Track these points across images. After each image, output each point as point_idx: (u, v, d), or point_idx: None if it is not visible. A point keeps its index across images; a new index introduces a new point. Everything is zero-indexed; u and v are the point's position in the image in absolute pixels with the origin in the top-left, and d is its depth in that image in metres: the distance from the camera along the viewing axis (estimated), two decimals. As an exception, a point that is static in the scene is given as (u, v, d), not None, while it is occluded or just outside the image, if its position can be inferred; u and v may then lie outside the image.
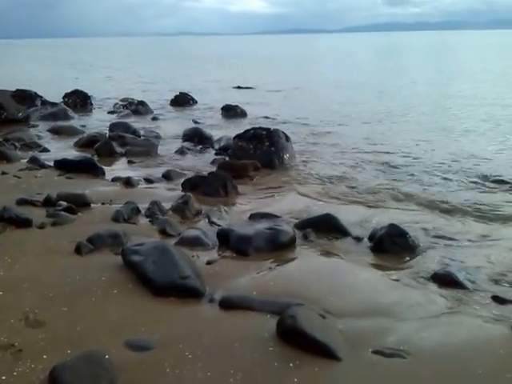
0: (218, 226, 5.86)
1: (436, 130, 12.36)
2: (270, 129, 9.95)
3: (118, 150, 9.97)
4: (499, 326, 3.77)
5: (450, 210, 6.60)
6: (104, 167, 8.48)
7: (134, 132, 11.83)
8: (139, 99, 17.16)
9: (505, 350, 3.44)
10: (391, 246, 5.26)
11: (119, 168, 8.98)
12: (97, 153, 9.72)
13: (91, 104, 17.56)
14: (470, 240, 5.61)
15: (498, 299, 4.19)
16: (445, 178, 8.10)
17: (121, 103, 17.25)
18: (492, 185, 7.77)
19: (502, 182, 7.86)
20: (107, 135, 11.10)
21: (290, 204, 6.93)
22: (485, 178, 8.09)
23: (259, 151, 9.40)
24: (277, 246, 5.26)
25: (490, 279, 4.61)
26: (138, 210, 6.21)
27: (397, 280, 4.61)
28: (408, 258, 5.12)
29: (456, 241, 5.57)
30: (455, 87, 21.63)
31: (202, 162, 9.48)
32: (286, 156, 9.44)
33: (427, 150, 10.10)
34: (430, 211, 6.59)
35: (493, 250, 5.30)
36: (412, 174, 8.34)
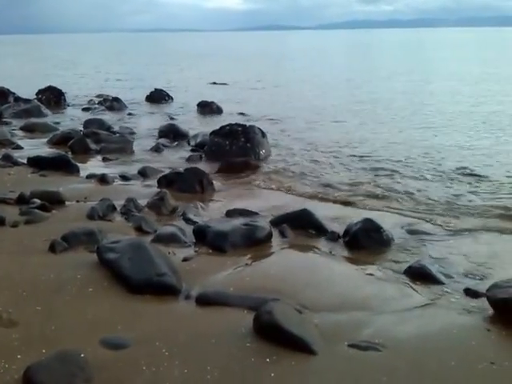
0: (195, 222, 5.83)
1: (411, 126, 12.49)
2: (245, 125, 9.94)
3: (93, 146, 9.83)
4: (471, 318, 3.83)
5: (423, 205, 6.68)
6: (78, 164, 8.36)
7: (109, 129, 11.68)
8: (114, 96, 16.96)
9: (477, 342, 3.50)
10: (366, 240, 5.30)
11: (94, 165, 8.86)
12: (71, 150, 9.57)
13: (65, 101, 17.27)
14: (443, 234, 5.69)
15: (470, 292, 4.25)
16: (419, 173, 8.18)
17: (95, 100, 17.03)
18: (465, 179, 7.89)
19: (476, 175, 7.99)
20: (81, 132, 10.94)
21: (266, 200, 6.93)
22: (459, 172, 8.22)
23: (235, 147, 9.38)
24: (253, 242, 5.25)
25: (463, 272, 4.68)
26: (113, 208, 6.14)
27: (372, 274, 4.65)
28: (383, 253, 5.17)
29: (430, 235, 5.64)
30: (430, 84, 21.87)
31: (178, 159, 9.42)
32: (262, 152, 9.45)
33: (402, 146, 10.21)
34: (404, 206, 6.66)
35: (466, 244, 5.39)
36: (387, 170, 8.41)
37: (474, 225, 5.96)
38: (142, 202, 6.39)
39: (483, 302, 4.00)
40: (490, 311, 3.88)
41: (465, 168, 8.38)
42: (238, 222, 5.57)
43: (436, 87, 20.60)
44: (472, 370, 3.20)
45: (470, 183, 7.64)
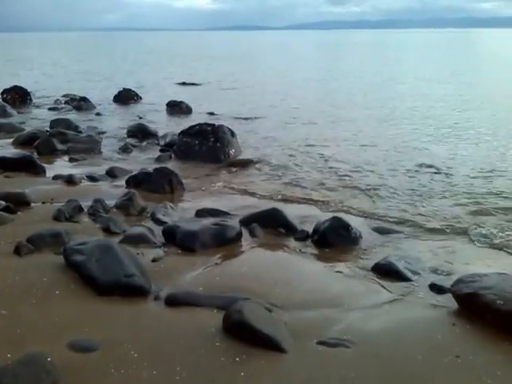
0: (164, 222, 5.77)
1: (378, 122, 12.67)
2: (214, 124, 9.91)
3: (60, 147, 9.65)
4: (437, 313, 3.90)
5: (390, 203, 6.77)
6: (45, 165, 8.20)
7: (76, 128, 11.50)
8: (81, 95, 16.69)
9: (442, 336, 3.56)
10: (335, 238, 5.34)
11: (61, 166, 8.70)
12: (37, 150, 9.38)
13: (31, 100, 16.93)
14: (410, 231, 5.78)
15: (435, 287, 4.32)
16: (388, 173, 8.28)
17: (62, 99, 16.73)
18: (433, 177, 8.02)
19: (444, 173, 8.14)
20: (48, 132, 10.74)
21: (236, 200, 6.93)
22: (426, 171, 8.37)
23: (204, 147, 9.35)
24: (223, 242, 5.24)
25: (429, 269, 4.76)
26: (80, 209, 6.04)
27: (340, 272, 4.69)
28: (351, 250, 5.22)
29: (397, 232, 5.72)
30: (396, 83, 22.19)
31: (147, 159, 9.33)
32: (232, 151, 9.44)
33: (370, 143, 10.34)
34: (372, 205, 6.73)
35: (431, 241, 5.48)
36: (356, 170, 8.48)
37: (439, 222, 6.06)
38: (110, 202, 6.30)
39: (448, 297, 4.08)
40: (455, 306, 3.95)
41: (431, 166, 8.53)
42: (208, 221, 5.55)
43: (404, 87, 20.90)
44: (438, 364, 3.25)
45: (437, 181, 7.77)
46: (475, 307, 3.82)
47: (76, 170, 8.20)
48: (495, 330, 3.60)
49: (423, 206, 6.63)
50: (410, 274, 4.58)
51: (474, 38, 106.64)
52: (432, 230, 5.81)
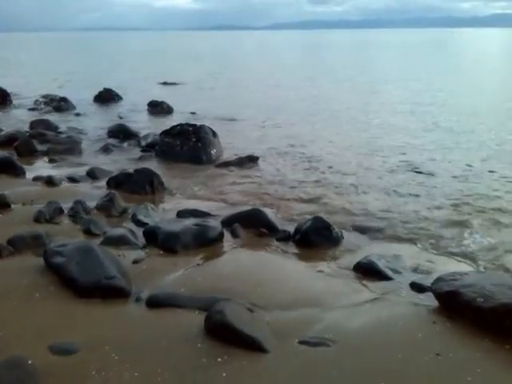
0: (145, 223, 5.74)
1: (354, 124, 12.76)
2: (196, 125, 9.89)
3: (39, 148, 9.57)
4: (418, 312, 3.93)
5: (370, 203, 6.81)
6: (24, 166, 8.11)
7: (56, 129, 11.41)
8: (61, 96, 16.50)
9: (423, 334, 3.59)
10: (316, 238, 5.37)
11: (41, 167, 8.62)
12: (16, 151, 9.26)
13: (10, 101, 16.71)
14: (390, 230, 5.81)
15: (416, 286, 4.36)
16: (367, 172, 8.36)
17: (42, 100, 16.51)
18: (411, 176, 8.11)
19: (421, 173, 8.23)
20: (27, 133, 10.61)
21: (217, 200, 6.91)
22: (405, 169, 8.45)
23: (186, 147, 9.32)
24: (205, 242, 5.23)
25: (409, 267, 4.81)
26: (60, 210, 5.98)
27: (322, 271, 4.72)
28: (332, 250, 5.26)
29: (378, 231, 5.76)
30: (377, 85, 22.35)
31: (128, 159, 9.27)
32: (214, 152, 9.42)
33: (351, 144, 10.41)
34: (352, 205, 6.75)
35: (412, 240, 5.52)
36: (336, 170, 8.52)
37: (418, 221, 6.10)
38: (91, 203, 6.26)
39: (429, 296, 4.12)
40: (436, 304, 3.99)
41: (410, 165, 8.62)
42: (189, 222, 5.53)
43: (384, 88, 21.06)
44: (418, 362, 3.28)
45: (413, 180, 7.86)
46: (455, 305, 3.86)
47: (56, 171, 8.13)
48: (475, 328, 3.64)
49: (403, 205, 6.68)
50: (390, 273, 4.62)
51: (453, 39, 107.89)
52: (412, 229, 5.85)
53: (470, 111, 14.31)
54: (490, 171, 8.21)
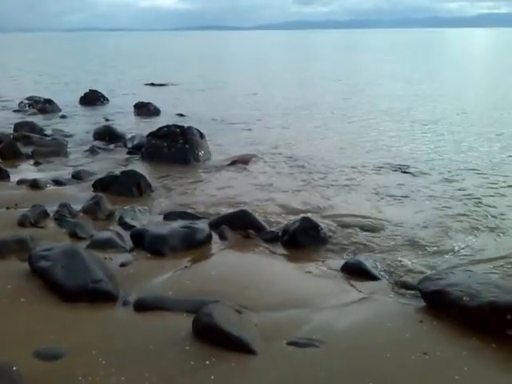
0: (132, 226, 5.73)
1: (341, 124, 12.84)
2: (183, 126, 9.86)
3: (24, 150, 9.49)
4: (405, 311, 3.97)
5: (357, 202, 6.85)
6: (8, 169, 8.05)
7: (41, 131, 11.33)
8: (46, 97, 16.38)
9: (410, 334, 3.63)
10: (304, 239, 5.39)
11: (25, 170, 8.55)
12: (0, 154, 9.18)
13: (-6, 103, 16.56)
14: (378, 231, 5.84)
15: (403, 286, 4.40)
16: (354, 171, 8.41)
17: (26, 102, 16.37)
18: (399, 175, 8.18)
19: (408, 173, 8.29)
20: (11, 135, 10.52)
21: (205, 202, 6.90)
22: (392, 168, 8.53)
23: (173, 149, 9.30)
24: (193, 245, 5.24)
25: (396, 267, 4.83)
26: (46, 214, 5.95)
27: (310, 272, 4.74)
28: (320, 250, 5.28)
29: (366, 231, 5.78)
30: (364, 85, 22.48)
31: (115, 161, 9.23)
32: (201, 153, 9.41)
33: (340, 144, 10.47)
34: (339, 203, 6.80)
35: (398, 240, 5.56)
36: (318, 168, 8.58)
37: (405, 221, 6.13)
38: (77, 206, 6.23)
39: (416, 295, 4.16)
40: (423, 303, 4.04)
41: (402, 164, 8.69)
42: (177, 224, 5.53)
43: (373, 88, 21.19)
44: (406, 361, 3.32)
45: (400, 180, 7.90)
46: (442, 304, 3.91)
47: (41, 174, 8.08)
48: (462, 327, 3.69)
49: (390, 206, 6.72)
50: (378, 273, 4.66)
51: (441, 38, 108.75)
52: (397, 227, 5.88)
53: (462, 111, 14.41)
54: (477, 172, 8.27)
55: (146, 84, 22.66)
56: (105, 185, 7.27)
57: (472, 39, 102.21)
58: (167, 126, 9.90)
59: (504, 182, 7.72)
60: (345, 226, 5.92)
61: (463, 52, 51.02)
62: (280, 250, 5.32)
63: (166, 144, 9.37)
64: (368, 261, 4.82)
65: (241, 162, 9.04)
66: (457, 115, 13.83)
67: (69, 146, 10.21)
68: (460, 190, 7.34)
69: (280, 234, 5.62)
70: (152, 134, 9.74)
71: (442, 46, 67.54)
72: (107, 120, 13.52)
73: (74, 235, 5.43)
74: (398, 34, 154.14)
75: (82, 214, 6.09)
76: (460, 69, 30.00)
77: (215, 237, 5.52)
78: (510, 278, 4.51)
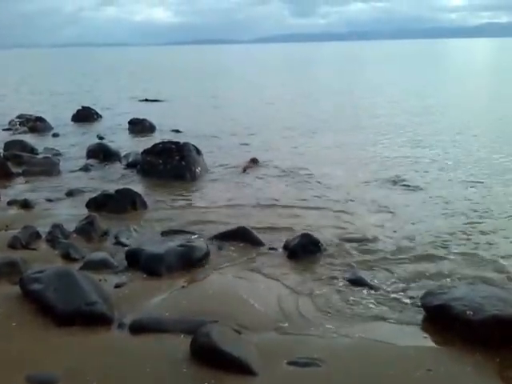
0: (127, 246, 5.76)
1: (339, 137, 12.92)
2: (179, 142, 9.93)
3: (15, 170, 9.54)
4: (407, 326, 4.00)
5: (357, 216, 6.89)
6: (-1, 190, 8.09)
7: (32, 150, 11.37)
8: (37, 115, 16.47)
9: (413, 350, 3.65)
10: (304, 255, 5.44)
11: (16, 190, 8.57)
12: (-10, 175, 9.23)
13: (-17, 122, 16.60)
14: (379, 245, 5.86)
15: (403, 300, 4.42)
16: (350, 183, 8.48)
17: (17, 120, 16.46)
18: (394, 186, 8.27)
19: (404, 185, 8.36)
20: (1, 155, 10.57)
21: (202, 218, 6.92)
22: (389, 180, 8.62)
23: (169, 166, 9.35)
24: (190, 263, 5.27)
25: (397, 281, 4.84)
26: (37, 235, 5.98)
27: (309, 289, 4.74)
28: (320, 266, 5.29)
29: (365, 245, 5.79)
30: (365, 98, 22.63)
31: (109, 180, 9.26)
32: (198, 170, 9.44)
33: (338, 158, 10.53)
34: (338, 218, 6.83)
35: (400, 253, 5.58)
36: (315, 181, 8.68)
37: (403, 235, 6.15)
38: (70, 226, 6.27)
39: (418, 310, 4.18)
40: (426, 318, 4.05)
41: (397, 176, 8.78)
42: (174, 243, 5.55)
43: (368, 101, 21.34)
44: (410, 378, 3.34)
45: (398, 193, 7.96)
46: (445, 319, 3.94)
47: (33, 194, 8.09)
48: (465, 341, 3.71)
49: (389, 220, 6.74)
50: (378, 287, 4.69)
51: (443, 49, 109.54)
52: (402, 242, 5.90)
53: (465, 126, 14.45)
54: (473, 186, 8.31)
55: (141, 100, 22.78)
56: (99, 204, 7.31)
57: (475, 50, 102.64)
58: (162, 143, 9.96)
59: (503, 193, 7.77)
60: (345, 240, 5.94)
61: (469, 64, 51.16)
62: (280, 267, 5.33)
63: (161, 161, 9.42)
64: (368, 276, 4.85)
65: (238, 176, 9.10)
66: (457, 133, 13.78)
67: (61, 164, 10.24)
68: (455, 202, 7.37)
69: (280, 250, 5.65)
70: (147, 151, 9.80)
71: (445, 58, 67.84)
72: (101, 138, 13.56)
73: (67, 257, 5.46)
74: (398, 46, 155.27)
75: (75, 235, 6.11)
76: (469, 82, 30.10)
77: (213, 254, 5.54)
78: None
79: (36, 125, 15.35)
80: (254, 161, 10.09)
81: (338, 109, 18.29)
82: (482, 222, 6.54)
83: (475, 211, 6.96)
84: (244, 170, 9.60)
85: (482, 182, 8.39)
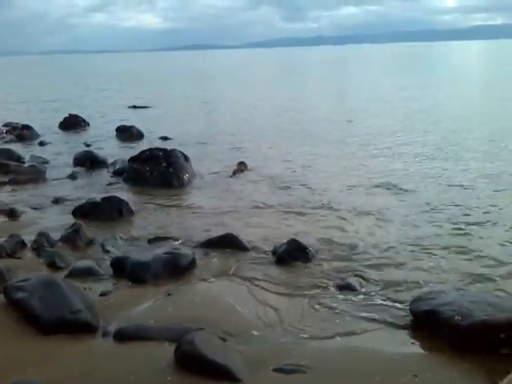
0: (113, 254, 5.76)
1: (331, 142, 12.98)
2: (166, 149, 9.95)
3: (1, 179, 9.52)
4: (394, 332, 4.03)
5: (345, 222, 6.92)
6: (-16, 199, 8.06)
7: (19, 159, 11.37)
8: (24, 123, 16.43)
9: (400, 355, 3.68)
10: (292, 261, 5.47)
11: (2, 198, 8.54)
12: (-25, 183, 9.21)
13: (-32, 131, 16.54)
14: (367, 251, 5.90)
15: (391, 306, 4.45)
16: (340, 185, 8.53)
17: (3, 128, 16.42)
18: (384, 191, 8.34)
19: (398, 189, 8.42)
20: (-13, 164, 10.55)
21: (189, 225, 6.94)
22: (380, 185, 8.67)
23: (156, 173, 9.36)
24: (176, 271, 5.28)
25: (385, 287, 4.88)
26: (23, 243, 5.98)
27: (296, 295, 4.77)
28: (308, 272, 5.31)
29: (352, 251, 5.82)
30: (356, 102, 22.76)
31: (96, 188, 9.25)
32: (186, 176, 9.46)
33: (325, 164, 10.59)
34: (326, 224, 6.86)
35: (385, 259, 5.63)
36: (302, 188, 8.73)
37: (389, 241, 6.19)
38: (56, 235, 6.27)
39: (406, 315, 4.21)
40: (414, 323, 4.08)
41: (385, 182, 8.84)
42: (160, 250, 5.57)
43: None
44: (396, 384, 3.35)
45: (387, 198, 8.02)
46: (434, 324, 3.97)
47: (19, 203, 8.07)
48: (453, 347, 3.73)
49: (377, 227, 6.78)
50: (365, 292, 4.73)
51: (437, 53, 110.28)
52: (384, 251, 5.91)
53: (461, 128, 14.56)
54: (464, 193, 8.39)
55: (129, 107, 22.77)
56: (85, 212, 7.31)
57: (471, 52, 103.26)
58: (149, 150, 9.97)
59: (491, 198, 7.84)
60: (332, 246, 5.98)
61: (469, 67, 51.37)
62: (267, 273, 5.35)
63: (148, 168, 9.43)
64: (356, 282, 4.88)
65: (226, 182, 9.14)
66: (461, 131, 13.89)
67: (48, 172, 10.23)
68: (443, 207, 7.44)
69: (268, 256, 5.68)
70: (134, 158, 9.81)
71: (441, 61, 68.09)
72: (88, 145, 13.54)
73: (52, 265, 5.46)
74: (392, 49, 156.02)
75: (60, 243, 6.11)
76: (460, 86, 30.32)
77: (199, 261, 5.55)
78: (503, 296, 4.57)
79: (23, 133, 15.30)
80: (243, 164, 10.17)
81: (328, 115, 18.35)
82: (471, 227, 6.59)
83: (463, 215, 7.02)
84: (233, 174, 9.68)
85: (471, 188, 8.45)
